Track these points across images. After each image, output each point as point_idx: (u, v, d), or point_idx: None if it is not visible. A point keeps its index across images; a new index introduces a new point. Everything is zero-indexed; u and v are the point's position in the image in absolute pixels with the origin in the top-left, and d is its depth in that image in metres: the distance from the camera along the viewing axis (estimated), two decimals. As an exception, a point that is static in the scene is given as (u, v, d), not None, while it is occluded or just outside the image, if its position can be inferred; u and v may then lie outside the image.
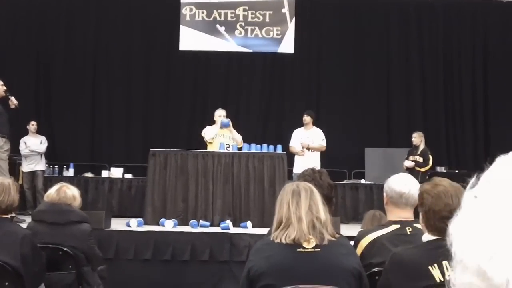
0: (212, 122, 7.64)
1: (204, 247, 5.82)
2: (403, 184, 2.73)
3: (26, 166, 8.61)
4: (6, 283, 2.85)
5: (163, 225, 6.42)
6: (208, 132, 7.46)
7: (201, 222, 6.57)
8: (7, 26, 10.61)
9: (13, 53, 10.54)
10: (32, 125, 8.76)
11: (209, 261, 5.77)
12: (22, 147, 8.55)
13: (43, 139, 8.80)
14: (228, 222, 6.44)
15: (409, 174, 2.91)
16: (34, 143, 8.65)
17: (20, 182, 8.24)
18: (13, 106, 6.94)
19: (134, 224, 6.31)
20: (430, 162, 8.35)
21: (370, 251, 2.69)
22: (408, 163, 8.37)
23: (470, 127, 10.46)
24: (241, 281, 2.24)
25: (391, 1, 10.69)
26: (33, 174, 8.58)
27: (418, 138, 8.55)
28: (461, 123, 10.52)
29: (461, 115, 10.54)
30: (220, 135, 7.47)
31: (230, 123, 7.40)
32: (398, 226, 2.69)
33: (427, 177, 7.97)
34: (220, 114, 7.53)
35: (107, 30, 10.73)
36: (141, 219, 6.63)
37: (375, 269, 2.58)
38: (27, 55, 10.58)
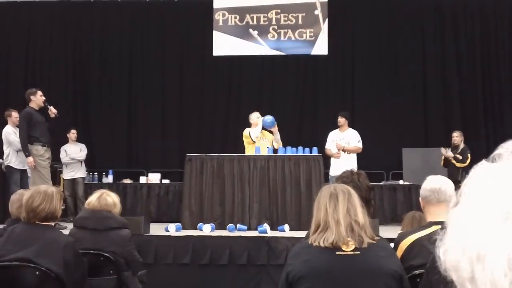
0: (248, 126, 7.64)
1: (242, 251, 5.83)
2: (433, 181, 2.75)
3: (67, 174, 8.81)
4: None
5: (201, 230, 6.47)
6: (253, 132, 7.45)
7: (238, 226, 6.58)
8: (44, 36, 10.90)
9: (51, 63, 10.84)
10: (73, 134, 8.95)
11: (247, 265, 5.78)
12: (62, 155, 8.75)
13: (82, 146, 8.98)
14: (266, 226, 6.43)
15: (444, 176, 2.88)
16: (74, 151, 8.84)
17: (61, 189, 8.42)
18: (52, 115, 7.08)
19: (172, 229, 6.37)
20: (468, 161, 8.27)
21: (411, 253, 2.65)
22: (448, 153, 8.39)
23: (510, 125, 10.16)
24: (280, 285, 2.23)
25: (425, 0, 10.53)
26: (73, 181, 8.77)
27: (459, 138, 8.57)
28: (500, 121, 10.24)
29: (500, 113, 10.27)
30: (262, 138, 7.47)
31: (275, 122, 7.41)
32: (439, 226, 2.63)
33: (466, 175, 7.85)
34: (258, 116, 7.53)
35: (141, 38, 10.90)
36: (179, 224, 6.69)
37: (416, 271, 2.53)
38: (64, 65, 10.85)
